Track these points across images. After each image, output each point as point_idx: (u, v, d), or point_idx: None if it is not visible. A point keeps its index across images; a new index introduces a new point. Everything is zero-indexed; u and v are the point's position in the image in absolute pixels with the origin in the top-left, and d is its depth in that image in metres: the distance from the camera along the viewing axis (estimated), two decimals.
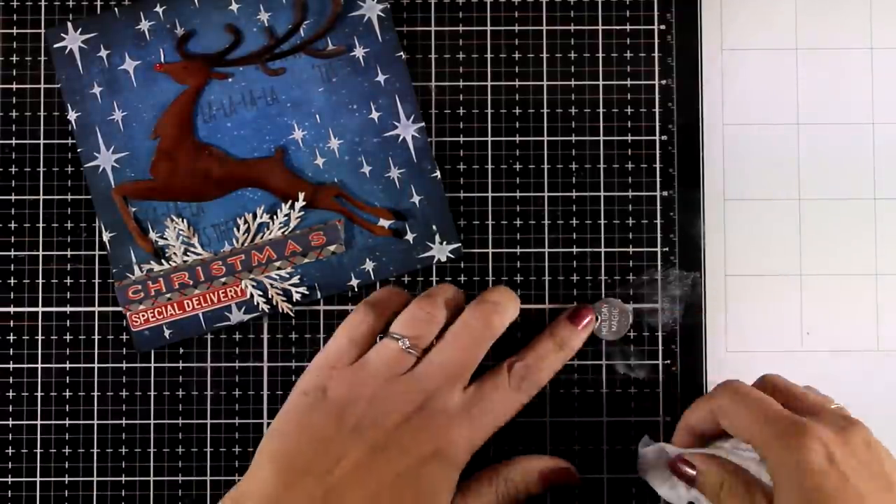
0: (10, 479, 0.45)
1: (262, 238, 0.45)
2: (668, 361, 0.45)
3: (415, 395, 0.38)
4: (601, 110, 0.46)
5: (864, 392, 0.45)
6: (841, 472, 0.34)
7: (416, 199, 0.45)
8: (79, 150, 0.45)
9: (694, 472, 0.39)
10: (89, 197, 0.45)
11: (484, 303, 0.41)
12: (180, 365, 0.45)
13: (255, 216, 0.45)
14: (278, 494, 0.36)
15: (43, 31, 0.46)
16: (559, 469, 0.41)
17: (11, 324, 0.45)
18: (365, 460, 0.36)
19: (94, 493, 0.45)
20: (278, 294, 0.45)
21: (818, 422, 0.35)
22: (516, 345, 0.43)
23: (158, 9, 0.45)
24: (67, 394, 0.45)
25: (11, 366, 0.45)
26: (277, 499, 0.36)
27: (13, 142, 0.46)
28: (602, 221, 0.45)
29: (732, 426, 0.38)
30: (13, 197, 0.46)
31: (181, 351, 0.45)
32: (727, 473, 0.38)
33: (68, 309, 0.45)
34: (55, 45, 0.45)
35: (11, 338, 0.45)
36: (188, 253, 0.45)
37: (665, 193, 0.45)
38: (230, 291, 0.45)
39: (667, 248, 0.45)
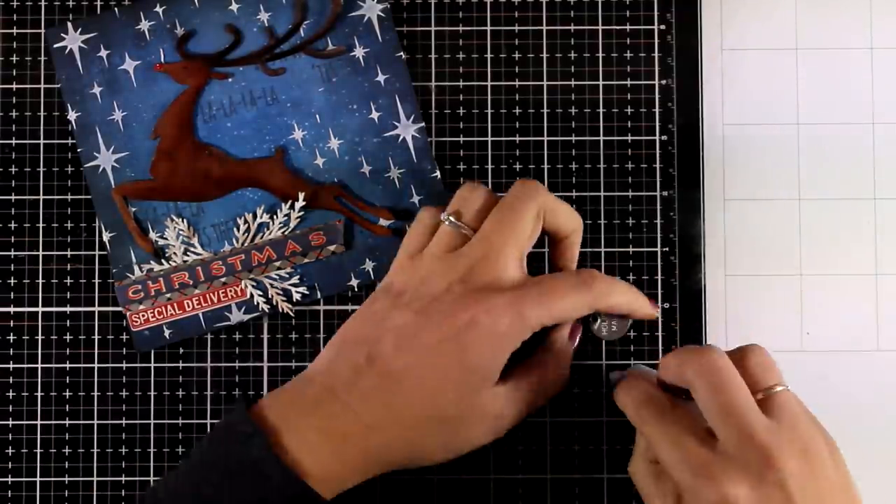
0: (10, 479, 0.45)
1: (262, 238, 0.45)
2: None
3: (459, 267, 0.38)
4: (601, 110, 0.46)
5: (864, 392, 0.45)
6: None
7: (416, 199, 0.45)
8: (79, 150, 0.45)
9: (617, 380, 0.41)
10: (89, 197, 0.45)
11: (525, 182, 0.40)
12: (180, 365, 0.45)
13: (255, 216, 0.45)
14: (329, 362, 0.39)
15: (43, 31, 0.46)
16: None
17: (11, 324, 0.45)
18: (409, 326, 0.38)
19: (94, 493, 0.45)
20: (278, 294, 0.45)
21: (733, 467, 0.35)
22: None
23: (158, 9, 0.45)
24: (67, 394, 0.45)
25: (11, 366, 0.45)
26: (327, 367, 0.38)
27: (13, 142, 0.46)
28: (602, 221, 0.45)
29: (650, 440, 0.38)
30: (13, 197, 0.46)
31: (181, 351, 0.45)
32: (649, 398, 0.38)
33: (68, 309, 0.45)
34: (55, 45, 0.45)
35: (11, 338, 0.45)
36: (188, 253, 0.45)
37: (665, 193, 0.45)
38: (230, 291, 0.45)
39: (667, 248, 0.45)
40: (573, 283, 0.39)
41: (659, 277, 0.45)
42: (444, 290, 0.38)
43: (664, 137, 0.46)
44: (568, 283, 0.39)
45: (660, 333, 0.45)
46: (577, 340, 0.43)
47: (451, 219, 0.40)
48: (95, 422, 0.45)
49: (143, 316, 0.45)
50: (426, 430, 0.38)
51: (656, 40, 0.46)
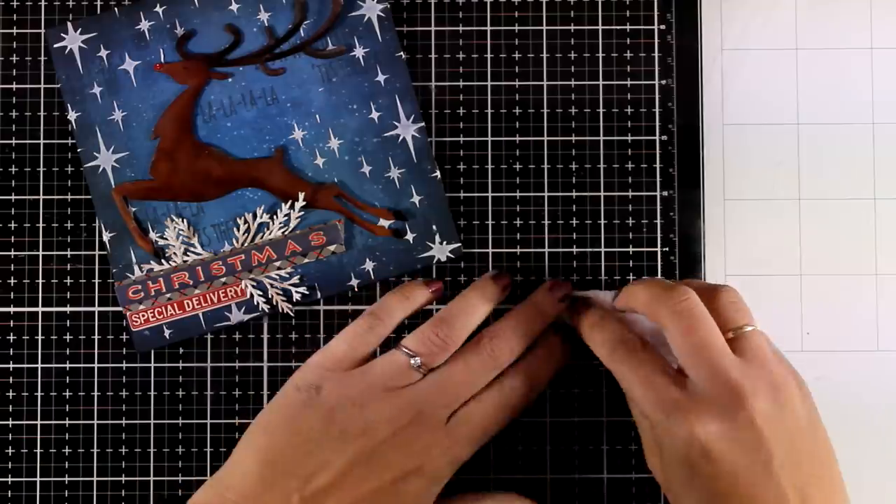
0: (10, 479, 0.45)
1: (262, 238, 0.45)
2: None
3: (408, 410, 0.38)
4: (601, 110, 0.46)
5: (864, 392, 0.45)
6: (714, 459, 0.35)
7: (416, 199, 0.45)
8: (79, 150, 0.45)
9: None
10: (89, 197, 0.45)
11: (496, 337, 0.40)
12: (180, 365, 0.45)
13: (255, 216, 0.45)
14: (258, 493, 0.36)
15: (43, 31, 0.46)
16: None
17: (11, 324, 0.45)
18: (347, 469, 0.37)
19: (94, 493, 0.45)
20: (278, 294, 0.45)
21: (703, 404, 0.35)
22: None
23: (158, 9, 0.45)
24: (67, 394, 0.45)
25: (11, 366, 0.45)
26: (257, 497, 0.36)
27: (13, 142, 0.46)
28: (602, 221, 0.45)
29: (628, 394, 0.38)
30: (13, 197, 0.46)
31: (181, 351, 0.45)
32: (620, 340, 0.39)
33: (68, 309, 0.45)
34: (55, 45, 0.45)
35: (11, 338, 0.45)
36: (188, 253, 0.45)
37: (665, 193, 0.45)
38: (230, 291, 0.45)
39: (667, 248, 0.45)
40: (497, 407, 0.39)
41: (659, 277, 0.45)
42: (389, 434, 0.37)
43: (664, 137, 0.46)
44: (496, 412, 0.39)
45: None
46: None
47: (420, 362, 0.39)
48: (95, 422, 0.45)
49: (143, 316, 0.45)
50: None
51: (656, 40, 0.46)
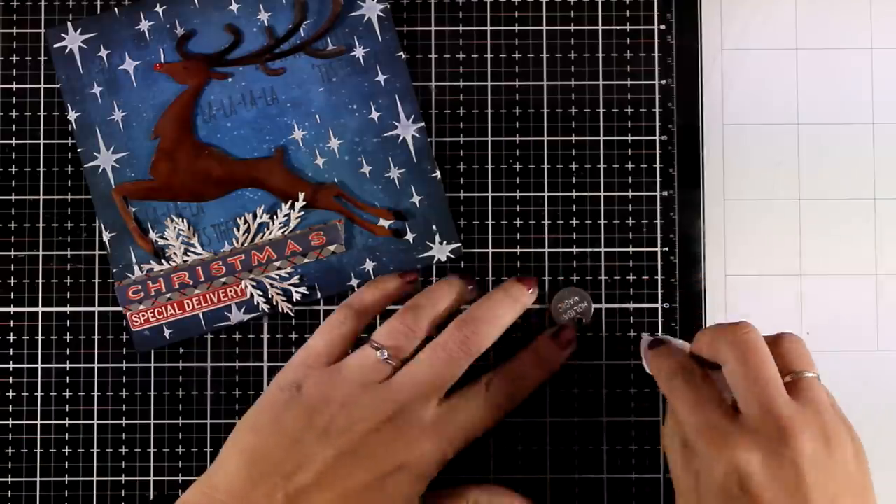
0: (10, 479, 0.45)
1: (262, 238, 0.45)
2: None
3: (387, 405, 0.38)
4: (601, 110, 0.46)
5: (864, 392, 0.45)
6: (751, 492, 0.34)
7: (416, 199, 0.45)
8: (79, 150, 0.45)
9: (648, 354, 0.41)
10: (89, 197, 0.45)
11: (466, 323, 0.40)
12: (180, 365, 0.45)
13: (255, 216, 0.45)
14: (244, 491, 0.37)
15: (43, 31, 0.46)
16: None
17: (11, 324, 0.45)
18: (332, 466, 0.37)
19: (94, 493, 0.45)
20: (278, 294, 0.45)
21: (749, 436, 0.34)
22: (514, 344, 0.43)
23: (158, 9, 0.45)
24: (67, 394, 0.45)
25: (11, 366, 0.45)
26: (243, 495, 0.37)
27: (13, 142, 0.46)
28: (602, 221, 0.45)
29: (680, 424, 0.38)
30: (13, 197, 0.46)
31: (181, 351, 0.45)
32: (681, 367, 0.38)
33: (68, 309, 0.45)
34: (55, 45, 0.45)
35: (11, 338, 0.45)
36: (188, 253, 0.45)
37: (665, 193, 0.45)
38: (230, 291, 0.45)
39: (667, 248, 0.45)
40: (483, 409, 0.39)
41: (659, 277, 0.45)
42: (371, 430, 0.37)
43: (664, 137, 0.46)
44: (479, 409, 0.39)
45: (660, 333, 0.45)
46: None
47: (388, 354, 0.39)
48: (95, 422, 0.45)
49: (143, 316, 0.45)
50: None
51: (656, 40, 0.46)
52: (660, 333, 0.44)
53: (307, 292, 0.45)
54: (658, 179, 0.45)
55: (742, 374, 0.36)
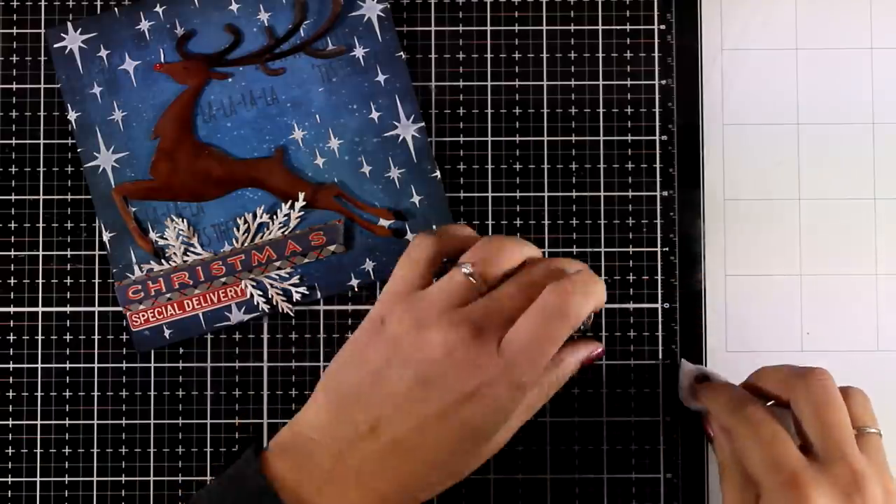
0: (10, 479, 0.45)
1: (262, 238, 0.45)
2: (668, 361, 0.45)
3: (462, 329, 0.36)
4: (601, 110, 0.46)
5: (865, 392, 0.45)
6: None
7: (416, 199, 0.45)
8: (79, 150, 0.45)
9: (712, 436, 0.41)
10: (89, 197, 0.45)
11: (563, 279, 0.37)
12: (180, 365, 0.45)
13: (255, 216, 0.45)
14: (327, 423, 0.37)
15: (43, 31, 0.46)
16: (590, 350, 0.40)
17: (11, 324, 0.45)
18: (409, 393, 0.36)
19: (94, 493, 0.45)
20: (278, 294, 0.45)
21: (824, 480, 0.36)
22: None
23: (158, 9, 0.45)
24: (67, 394, 0.45)
25: (11, 366, 0.45)
26: (326, 427, 0.37)
27: (13, 142, 0.46)
28: (602, 221, 0.45)
29: (744, 456, 0.38)
30: (13, 197, 0.46)
31: (181, 351, 0.45)
32: (729, 459, 0.39)
33: (68, 309, 0.45)
34: (55, 45, 0.45)
35: (11, 338, 0.45)
36: (188, 253, 0.45)
37: (665, 193, 0.45)
38: (230, 291, 0.45)
39: (667, 248, 0.45)
40: (551, 323, 0.37)
41: (659, 277, 0.45)
42: (444, 354, 0.36)
43: (664, 137, 0.46)
44: (546, 326, 0.37)
45: (660, 333, 0.45)
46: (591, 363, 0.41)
47: (472, 272, 0.37)
48: (95, 422, 0.45)
49: (143, 316, 0.45)
50: (430, 485, 0.38)
51: (656, 40, 0.46)
52: (705, 366, 0.44)
53: (307, 292, 0.45)
54: (658, 179, 0.45)
55: (822, 421, 0.37)
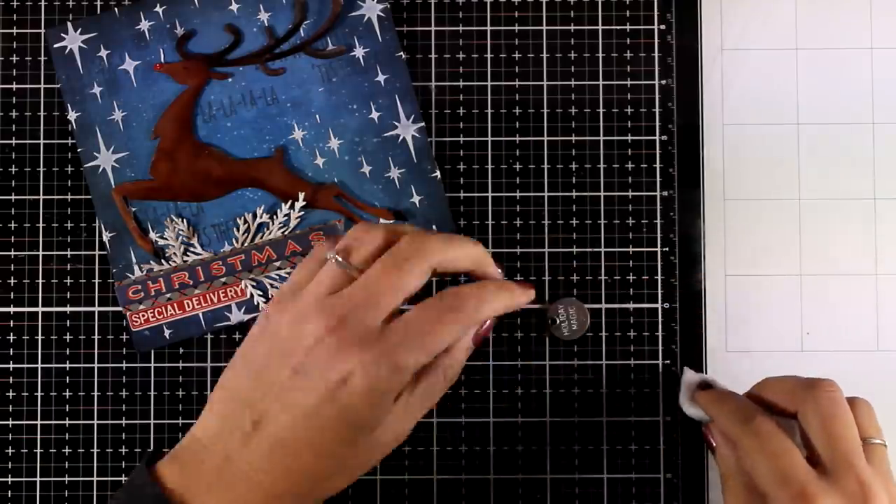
0: (10, 479, 0.45)
1: (262, 238, 0.45)
2: (668, 361, 0.45)
3: (332, 315, 0.36)
4: (601, 110, 0.46)
5: (864, 392, 0.45)
6: None
7: (416, 199, 0.45)
8: (79, 150, 0.45)
9: (714, 445, 0.41)
10: (89, 197, 0.45)
11: (412, 238, 0.38)
12: (180, 365, 0.45)
13: (255, 216, 0.45)
14: (217, 424, 0.37)
15: (43, 31, 0.46)
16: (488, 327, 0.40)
17: (11, 324, 0.45)
18: (288, 386, 0.36)
19: (94, 493, 0.45)
20: None
21: (833, 492, 0.36)
22: (511, 344, 0.43)
23: (158, 9, 0.45)
24: (67, 394, 0.45)
25: (11, 366, 0.45)
26: (217, 428, 0.37)
27: (13, 142, 0.46)
28: (602, 221, 0.45)
29: (752, 468, 0.38)
30: (13, 197, 0.46)
31: (181, 351, 0.45)
32: (733, 470, 0.39)
33: (68, 309, 0.45)
34: (55, 45, 0.45)
35: (11, 338, 0.45)
36: (188, 253, 0.45)
37: (665, 193, 0.45)
38: (230, 291, 0.45)
39: (667, 248, 0.45)
40: (441, 312, 0.37)
41: (659, 277, 0.45)
42: (317, 340, 0.36)
43: (664, 137, 0.46)
44: (436, 313, 0.37)
45: (660, 333, 0.45)
46: (483, 338, 0.40)
47: (338, 258, 0.37)
48: (95, 422, 0.45)
49: (143, 316, 0.45)
50: (326, 479, 0.37)
51: (656, 40, 0.46)
52: (706, 374, 0.44)
53: None
54: (658, 179, 0.45)
55: (830, 434, 0.37)
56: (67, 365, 0.45)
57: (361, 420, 0.36)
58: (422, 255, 0.37)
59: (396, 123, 0.45)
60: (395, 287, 0.37)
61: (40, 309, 0.45)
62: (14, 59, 0.46)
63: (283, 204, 0.45)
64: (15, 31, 0.46)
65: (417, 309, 0.37)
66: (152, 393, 0.45)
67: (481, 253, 0.39)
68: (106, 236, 0.45)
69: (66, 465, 0.45)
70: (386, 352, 0.36)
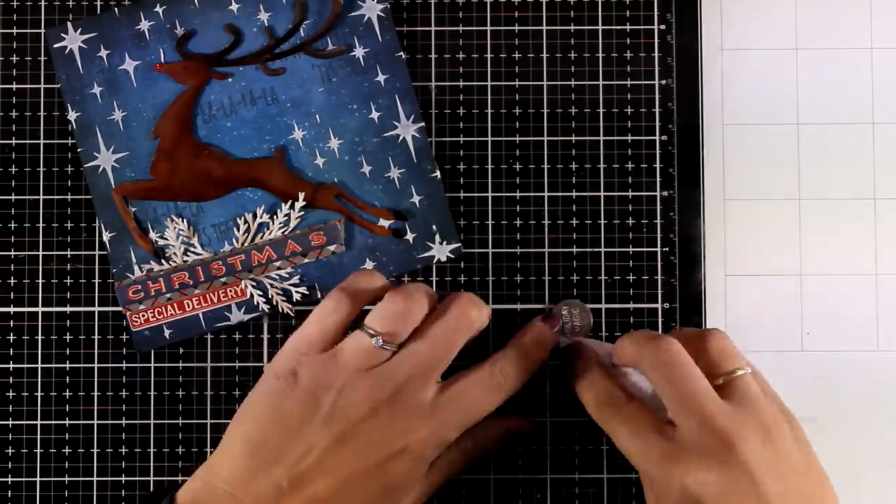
0: (10, 479, 0.45)
1: (262, 238, 0.45)
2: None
3: (385, 388, 0.37)
4: (601, 110, 0.46)
5: (864, 392, 0.45)
6: None
7: (416, 199, 0.45)
8: (79, 150, 0.45)
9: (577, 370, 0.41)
10: (89, 197, 0.45)
11: (460, 297, 0.40)
12: (180, 365, 0.45)
13: (255, 216, 0.45)
14: (246, 480, 0.37)
15: (43, 31, 0.46)
16: (519, 424, 0.43)
17: (11, 324, 0.45)
18: (332, 451, 0.37)
19: (94, 493, 0.45)
20: (278, 294, 0.45)
21: (693, 454, 0.35)
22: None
23: (158, 9, 0.45)
24: (67, 394, 0.45)
25: (11, 366, 0.45)
26: (245, 484, 0.37)
27: (13, 142, 0.46)
28: (602, 221, 0.45)
29: (611, 436, 0.39)
30: (13, 197, 0.46)
31: (181, 351, 0.45)
32: (608, 396, 0.39)
33: (68, 309, 0.45)
34: (55, 45, 0.45)
35: (11, 338, 0.45)
36: (188, 253, 0.45)
37: (665, 193, 0.45)
38: (230, 291, 0.45)
39: (667, 248, 0.45)
40: (490, 392, 0.39)
41: (659, 277, 0.45)
42: (368, 413, 0.37)
43: (664, 137, 0.46)
44: (485, 393, 0.39)
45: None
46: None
47: (382, 341, 0.38)
48: (95, 422, 0.45)
49: (143, 316, 0.45)
50: None
51: (656, 40, 0.46)
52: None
53: (307, 292, 0.45)
54: (658, 179, 0.45)
55: (673, 395, 0.36)
56: (67, 365, 0.45)
57: (403, 484, 0.37)
58: (469, 327, 0.39)
59: (396, 123, 0.45)
60: (446, 360, 0.38)
61: (40, 309, 0.45)
62: (14, 59, 0.46)
63: (283, 204, 0.45)
64: (15, 31, 0.46)
65: (468, 386, 0.39)
66: (152, 393, 0.45)
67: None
68: (106, 236, 0.45)
69: (66, 465, 0.45)
70: (436, 427, 0.38)
